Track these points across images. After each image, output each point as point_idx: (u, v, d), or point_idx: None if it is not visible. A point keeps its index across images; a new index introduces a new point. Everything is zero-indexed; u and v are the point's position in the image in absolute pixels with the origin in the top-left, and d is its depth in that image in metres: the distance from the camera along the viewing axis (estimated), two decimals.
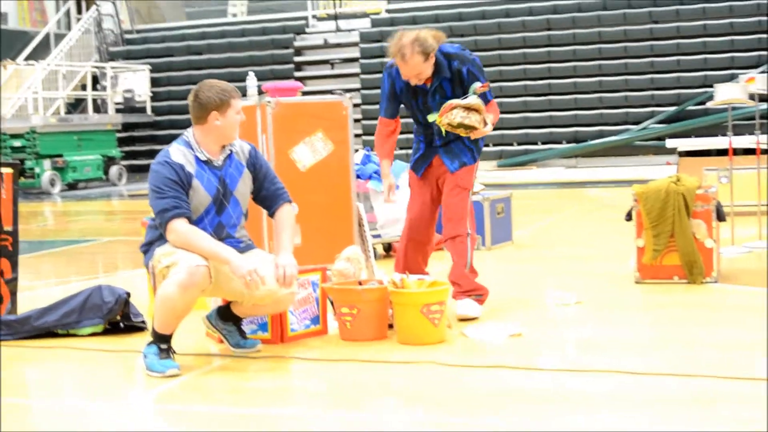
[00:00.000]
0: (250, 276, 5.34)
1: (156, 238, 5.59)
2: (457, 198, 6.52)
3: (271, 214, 5.83)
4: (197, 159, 5.54)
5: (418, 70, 6.33)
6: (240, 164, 5.67)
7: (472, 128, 6.26)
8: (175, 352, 5.54)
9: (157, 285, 5.52)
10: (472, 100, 6.24)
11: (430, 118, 6.38)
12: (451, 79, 6.42)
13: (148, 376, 5.40)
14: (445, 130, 6.37)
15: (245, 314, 5.87)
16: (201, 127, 5.56)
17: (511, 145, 21.83)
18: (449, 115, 6.23)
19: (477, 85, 6.31)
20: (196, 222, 5.52)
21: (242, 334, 5.89)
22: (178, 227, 5.41)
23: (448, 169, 6.56)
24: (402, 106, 6.63)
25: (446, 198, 6.57)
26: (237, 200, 5.66)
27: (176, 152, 5.54)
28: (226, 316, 5.89)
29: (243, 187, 5.68)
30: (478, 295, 6.50)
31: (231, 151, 5.65)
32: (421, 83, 6.44)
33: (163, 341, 5.51)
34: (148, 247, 5.64)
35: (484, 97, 6.40)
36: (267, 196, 5.80)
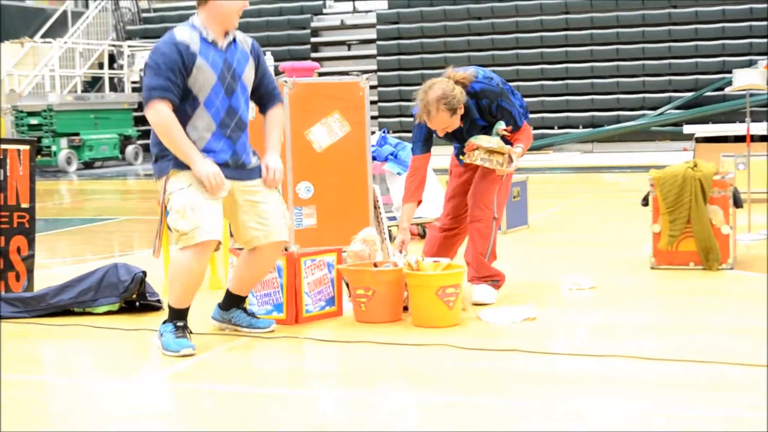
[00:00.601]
0: (212, 177, 5.37)
1: (170, 154, 5.50)
2: (485, 182, 6.47)
3: (264, 112, 5.86)
4: (202, 38, 5.51)
5: (444, 125, 6.30)
6: (244, 52, 5.67)
7: (494, 169, 6.33)
8: (191, 331, 5.55)
9: (163, 224, 5.58)
10: (494, 142, 6.28)
11: (463, 158, 6.41)
12: (481, 115, 6.40)
13: (163, 355, 5.41)
14: None
15: (246, 287, 5.85)
16: (203, 8, 5.54)
17: None
18: (472, 156, 6.29)
19: (499, 127, 6.33)
20: (208, 104, 5.48)
21: (251, 314, 5.90)
22: (161, 110, 5.38)
23: None
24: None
25: (475, 183, 6.53)
26: (245, 86, 5.64)
27: (181, 32, 5.52)
28: (227, 304, 5.90)
29: (249, 74, 5.68)
30: (495, 280, 6.49)
31: (234, 38, 5.64)
32: (450, 131, 6.42)
33: (179, 317, 5.52)
34: (160, 156, 5.55)
35: (515, 123, 6.41)
36: (264, 93, 5.82)
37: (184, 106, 5.46)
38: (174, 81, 5.40)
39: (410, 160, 6.62)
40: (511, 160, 6.33)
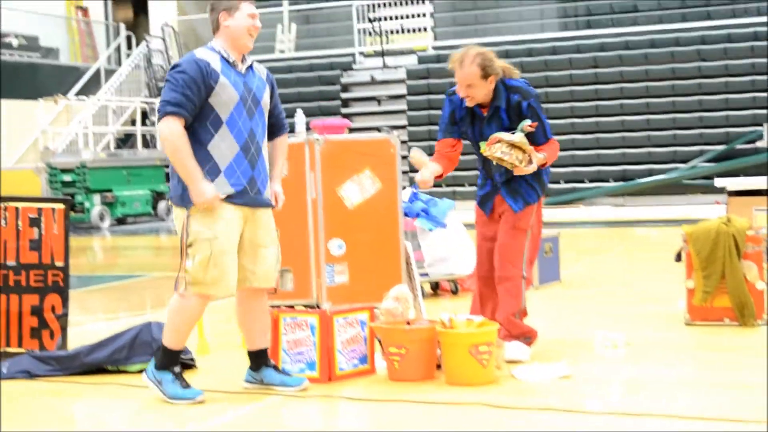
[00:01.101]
0: (203, 204, 5.45)
1: (177, 178, 5.58)
2: (513, 239, 6.42)
3: (271, 139, 5.95)
4: (222, 59, 5.60)
5: (469, 81, 6.31)
6: (261, 78, 5.78)
7: (512, 164, 6.25)
8: (184, 378, 5.65)
9: (182, 261, 5.57)
10: (517, 137, 6.22)
11: (482, 147, 6.37)
12: (507, 110, 6.37)
13: (171, 404, 5.48)
14: (500, 168, 6.39)
15: (259, 339, 5.87)
16: (218, 34, 5.66)
17: (558, 183, 21.78)
18: (492, 148, 6.24)
19: (525, 123, 6.29)
20: (230, 124, 5.55)
21: (280, 371, 5.91)
22: (173, 126, 5.44)
23: (511, 208, 6.47)
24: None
25: (501, 237, 6.47)
26: (263, 112, 5.73)
27: (201, 52, 5.62)
28: (255, 364, 5.91)
29: (266, 100, 5.78)
30: (527, 337, 6.44)
31: (251, 64, 5.74)
32: (471, 104, 6.41)
33: (174, 362, 5.62)
34: (184, 188, 5.55)
35: (545, 134, 6.38)
36: (275, 122, 5.92)
37: (206, 125, 5.53)
38: (190, 98, 5.47)
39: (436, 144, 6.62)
40: (531, 161, 6.25)
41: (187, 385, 5.60)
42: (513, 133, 6.23)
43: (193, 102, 5.46)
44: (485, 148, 6.26)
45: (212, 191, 5.48)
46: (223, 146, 5.54)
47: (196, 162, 5.50)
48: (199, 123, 5.52)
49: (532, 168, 6.28)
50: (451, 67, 6.44)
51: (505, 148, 6.19)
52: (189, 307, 5.56)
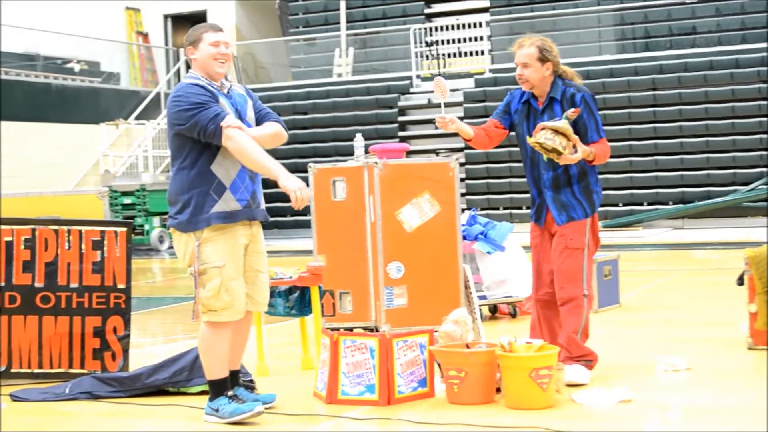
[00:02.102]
0: (299, 192, 5.47)
1: (197, 199, 5.60)
2: (569, 259, 6.43)
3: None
4: (208, 83, 5.71)
5: (525, 61, 6.44)
6: (242, 95, 5.88)
7: (556, 152, 6.23)
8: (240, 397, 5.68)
9: (198, 287, 5.65)
10: (561, 123, 6.22)
11: (529, 139, 6.38)
12: (561, 102, 6.41)
13: (229, 425, 5.52)
14: (548, 167, 6.39)
15: (236, 360, 5.94)
16: (193, 67, 5.80)
17: (617, 205, 21.65)
18: (537, 136, 6.25)
19: (569, 111, 6.30)
20: None
21: (251, 389, 6.04)
22: (235, 134, 5.49)
23: (555, 220, 6.48)
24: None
25: (557, 260, 6.47)
26: (250, 126, 5.79)
27: (189, 80, 5.73)
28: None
29: (251, 114, 5.87)
30: (588, 360, 6.40)
31: (230, 86, 5.84)
32: (526, 87, 6.48)
33: (224, 389, 5.68)
34: (186, 206, 5.62)
35: (597, 131, 6.38)
36: (261, 117, 5.95)
37: (209, 145, 5.58)
38: (221, 108, 5.58)
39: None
40: (575, 149, 6.23)
41: (244, 402, 5.67)
42: (558, 120, 6.24)
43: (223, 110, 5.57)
44: (531, 138, 6.28)
45: (299, 181, 5.53)
46: (227, 163, 5.64)
47: (205, 183, 5.59)
48: (201, 144, 5.60)
49: (577, 157, 6.25)
50: (514, 50, 6.57)
51: (549, 134, 6.21)
52: (211, 336, 5.68)
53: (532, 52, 6.45)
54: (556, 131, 6.20)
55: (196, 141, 5.59)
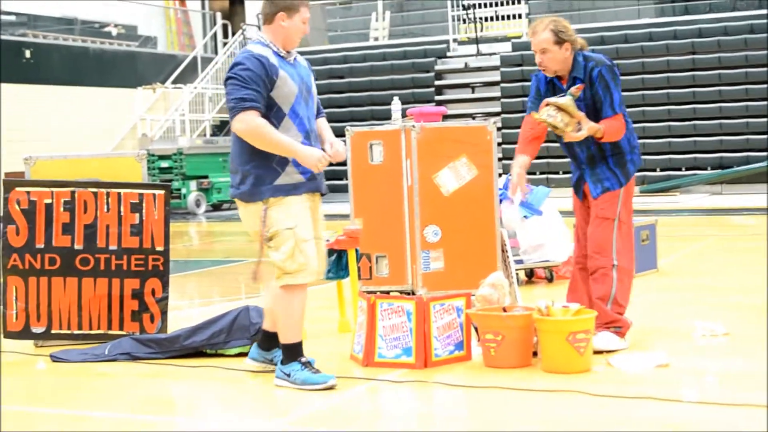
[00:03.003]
0: (319, 165, 5.51)
1: (258, 171, 5.58)
2: (599, 229, 6.36)
3: None
4: (275, 53, 5.64)
5: (542, 47, 6.32)
6: (305, 68, 5.83)
7: (557, 128, 6.18)
8: (313, 365, 5.65)
9: (263, 250, 5.63)
10: (564, 100, 6.15)
11: (534, 114, 6.33)
12: (583, 80, 6.34)
13: (302, 391, 5.50)
14: (582, 145, 6.34)
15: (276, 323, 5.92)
16: (268, 27, 5.70)
17: (655, 170, 21.52)
18: (541, 112, 6.21)
19: (573, 87, 6.24)
20: (292, 115, 5.61)
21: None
22: (250, 118, 5.47)
23: (591, 194, 6.46)
24: None
25: (590, 228, 6.44)
26: (314, 98, 5.80)
27: (256, 47, 5.65)
28: (267, 344, 5.97)
29: (314, 87, 5.86)
30: (617, 327, 6.31)
31: (295, 56, 5.79)
32: (548, 72, 6.40)
33: (297, 353, 5.65)
34: (248, 175, 5.60)
35: (612, 107, 6.29)
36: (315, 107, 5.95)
37: (269, 118, 5.55)
38: (260, 92, 5.52)
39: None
40: (579, 127, 6.17)
41: (317, 371, 5.62)
42: (562, 96, 6.19)
43: (263, 96, 5.52)
44: (536, 114, 6.23)
45: (317, 151, 5.54)
46: (289, 136, 5.58)
47: (265, 155, 5.54)
48: (265, 116, 5.54)
49: (582, 134, 6.20)
50: (529, 37, 6.47)
51: (552, 111, 6.15)
52: (289, 300, 5.63)
53: (547, 36, 6.30)
54: (558, 108, 6.15)
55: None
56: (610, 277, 6.31)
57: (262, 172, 5.57)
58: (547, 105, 6.19)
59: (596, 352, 6.07)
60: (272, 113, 5.57)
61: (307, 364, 5.63)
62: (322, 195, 5.86)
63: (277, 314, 5.72)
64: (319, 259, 5.84)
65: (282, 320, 5.68)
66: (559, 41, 6.29)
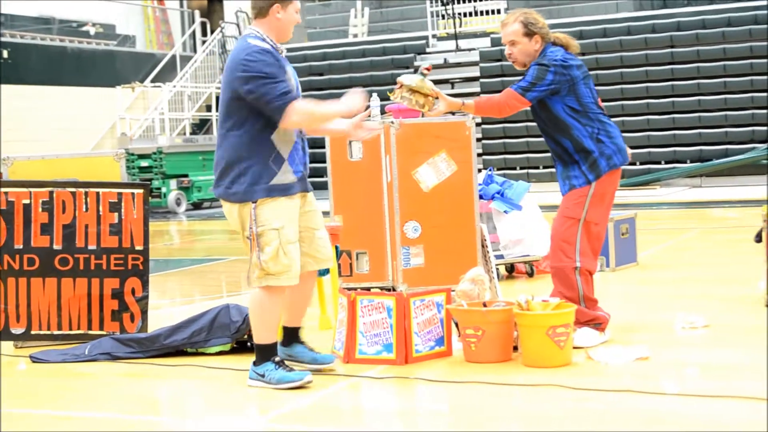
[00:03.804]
0: (362, 97, 5.54)
1: (256, 169, 5.51)
2: (562, 227, 6.24)
3: None
4: (273, 48, 5.58)
5: (511, 39, 6.29)
6: (287, 61, 5.74)
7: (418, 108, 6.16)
8: (287, 364, 5.64)
9: (252, 250, 5.55)
10: (416, 80, 6.08)
11: (390, 94, 6.27)
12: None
13: (277, 390, 5.47)
14: (551, 141, 6.32)
15: (299, 317, 5.93)
16: (262, 20, 5.61)
17: (634, 164, 21.56)
18: (395, 95, 6.16)
19: (422, 66, 6.21)
20: None
21: (311, 348, 5.98)
22: (300, 106, 5.44)
23: (561, 190, 6.41)
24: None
25: (553, 224, 6.34)
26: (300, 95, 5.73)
27: (257, 42, 5.55)
28: (287, 340, 5.96)
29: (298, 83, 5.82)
30: (597, 324, 6.29)
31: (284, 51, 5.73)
32: (517, 66, 6.37)
33: (273, 353, 5.62)
34: (241, 176, 5.51)
35: (516, 84, 6.18)
36: None
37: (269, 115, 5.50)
38: (289, 83, 5.49)
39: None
40: (433, 104, 6.13)
41: (291, 369, 5.59)
42: (413, 76, 6.14)
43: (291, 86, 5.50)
44: (391, 94, 6.20)
45: (352, 95, 5.54)
46: (286, 135, 5.54)
47: (264, 152, 5.49)
48: (262, 114, 5.48)
49: (440, 110, 6.19)
50: (500, 30, 6.44)
51: (405, 92, 6.12)
52: (266, 300, 5.58)
53: (516, 28, 6.26)
54: (411, 90, 6.10)
55: (259, 109, 5.48)
56: (573, 279, 6.22)
57: (259, 170, 5.49)
58: (401, 86, 6.14)
59: (576, 348, 6.06)
60: None
61: (281, 363, 5.59)
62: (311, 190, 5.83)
63: (252, 314, 5.67)
64: (321, 248, 5.80)
65: (257, 320, 5.63)
66: (529, 33, 6.25)
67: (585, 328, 6.26)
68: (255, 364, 5.65)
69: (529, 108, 6.28)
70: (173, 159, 22.31)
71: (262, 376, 5.59)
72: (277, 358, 5.61)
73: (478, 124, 22.29)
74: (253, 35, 5.60)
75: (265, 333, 5.63)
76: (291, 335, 5.97)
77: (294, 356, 5.93)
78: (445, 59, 25.24)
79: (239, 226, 5.62)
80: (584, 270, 6.25)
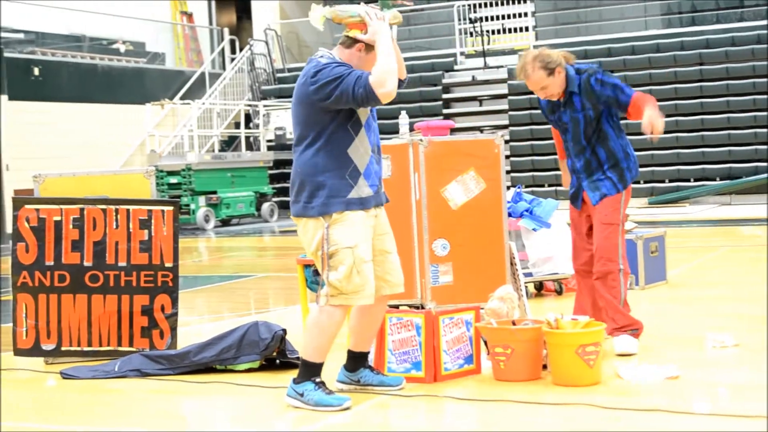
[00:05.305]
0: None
1: (333, 182, 5.50)
2: (604, 234, 6.51)
3: None
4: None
5: (541, 85, 6.48)
6: None
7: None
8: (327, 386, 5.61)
9: (323, 270, 5.51)
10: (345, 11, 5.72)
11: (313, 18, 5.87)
12: (579, 93, 6.49)
13: (316, 411, 5.44)
14: (579, 155, 6.58)
15: (368, 342, 5.88)
16: (344, 49, 5.64)
17: (663, 182, 21.50)
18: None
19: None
20: (367, 127, 5.61)
21: (377, 371, 5.93)
22: (375, 76, 5.39)
23: (590, 202, 6.59)
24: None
25: (595, 235, 6.59)
26: (375, 110, 5.77)
27: (325, 60, 5.57)
28: (353, 365, 5.90)
29: None
30: (634, 329, 6.50)
31: None
32: (553, 98, 6.58)
33: (316, 374, 5.55)
34: (319, 189, 5.50)
35: (622, 92, 6.39)
36: None
37: (347, 128, 5.51)
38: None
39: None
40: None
41: (330, 392, 5.54)
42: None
43: None
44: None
45: (372, 13, 5.58)
46: (362, 149, 5.54)
47: (341, 166, 5.49)
48: (340, 126, 5.49)
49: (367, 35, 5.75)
50: (520, 79, 6.63)
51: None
52: (331, 319, 5.52)
53: (540, 75, 6.44)
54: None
55: (338, 120, 5.48)
56: (619, 281, 6.48)
57: (335, 185, 5.47)
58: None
59: (619, 356, 6.23)
60: (351, 122, 5.53)
61: (321, 384, 5.53)
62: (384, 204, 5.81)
63: (309, 329, 5.58)
64: (393, 272, 5.74)
65: (311, 337, 5.55)
66: (551, 71, 6.44)
67: (624, 335, 6.41)
68: (295, 381, 5.59)
69: (578, 118, 6.50)
70: (202, 176, 22.39)
71: (301, 395, 5.52)
72: (318, 379, 5.54)
73: (506, 142, 22.25)
74: (323, 55, 5.63)
75: (314, 351, 5.56)
76: (357, 360, 5.88)
77: (361, 381, 5.86)
78: (473, 77, 25.25)
79: (309, 243, 5.56)
80: (626, 272, 6.55)
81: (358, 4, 5.80)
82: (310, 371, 5.56)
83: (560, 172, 7.10)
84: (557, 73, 6.45)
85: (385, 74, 5.41)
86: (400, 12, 5.88)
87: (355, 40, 5.62)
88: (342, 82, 5.40)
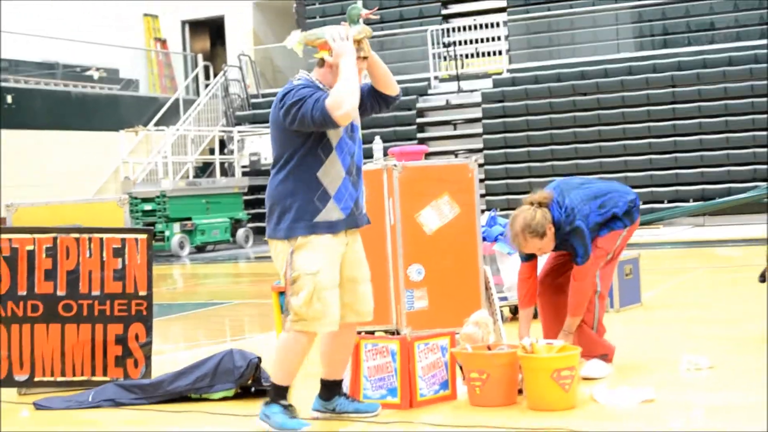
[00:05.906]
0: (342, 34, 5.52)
1: (299, 204, 5.51)
2: (592, 259, 6.55)
3: None
4: (320, 89, 5.55)
5: (538, 248, 6.47)
6: None
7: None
8: (295, 409, 5.60)
9: (286, 294, 5.52)
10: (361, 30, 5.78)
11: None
12: (568, 234, 6.48)
13: None
14: None
15: (340, 370, 5.86)
16: (319, 69, 5.64)
17: None
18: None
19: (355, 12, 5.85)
20: (339, 150, 5.55)
21: (353, 398, 5.92)
22: (332, 98, 5.35)
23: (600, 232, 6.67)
24: None
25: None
26: (358, 130, 5.74)
27: (302, 81, 5.58)
28: (327, 393, 5.88)
29: (359, 120, 5.77)
30: (604, 354, 6.51)
31: None
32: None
33: (283, 397, 5.58)
34: (286, 211, 5.51)
35: (585, 252, 6.45)
36: None
37: (317, 151, 5.50)
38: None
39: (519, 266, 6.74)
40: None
41: (294, 416, 5.56)
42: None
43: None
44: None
45: (336, 32, 5.56)
46: (333, 172, 5.53)
47: (309, 188, 5.49)
48: (309, 150, 5.50)
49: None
50: (516, 245, 6.54)
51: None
52: (297, 344, 5.54)
53: (535, 243, 6.41)
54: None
55: (308, 144, 5.48)
56: (593, 301, 6.55)
57: (302, 207, 5.48)
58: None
59: (584, 379, 6.23)
60: (321, 146, 5.51)
61: (288, 408, 5.57)
62: (367, 224, 5.80)
63: (277, 353, 5.62)
64: (362, 301, 5.73)
65: (279, 361, 5.59)
66: (543, 234, 6.39)
67: (594, 359, 6.46)
68: (266, 403, 5.63)
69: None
70: (177, 202, 22.34)
71: (268, 417, 5.57)
72: (285, 402, 5.58)
73: (480, 165, 22.32)
74: (300, 77, 5.65)
75: (281, 374, 5.60)
76: (331, 388, 5.87)
77: (336, 409, 5.84)
78: (447, 101, 25.33)
79: (281, 265, 5.57)
80: (602, 295, 6.60)
81: (331, 25, 5.81)
82: (278, 394, 5.61)
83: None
84: (548, 231, 6.39)
85: (342, 96, 5.38)
86: (369, 24, 5.80)
87: (324, 63, 5.62)
88: (303, 105, 5.41)
